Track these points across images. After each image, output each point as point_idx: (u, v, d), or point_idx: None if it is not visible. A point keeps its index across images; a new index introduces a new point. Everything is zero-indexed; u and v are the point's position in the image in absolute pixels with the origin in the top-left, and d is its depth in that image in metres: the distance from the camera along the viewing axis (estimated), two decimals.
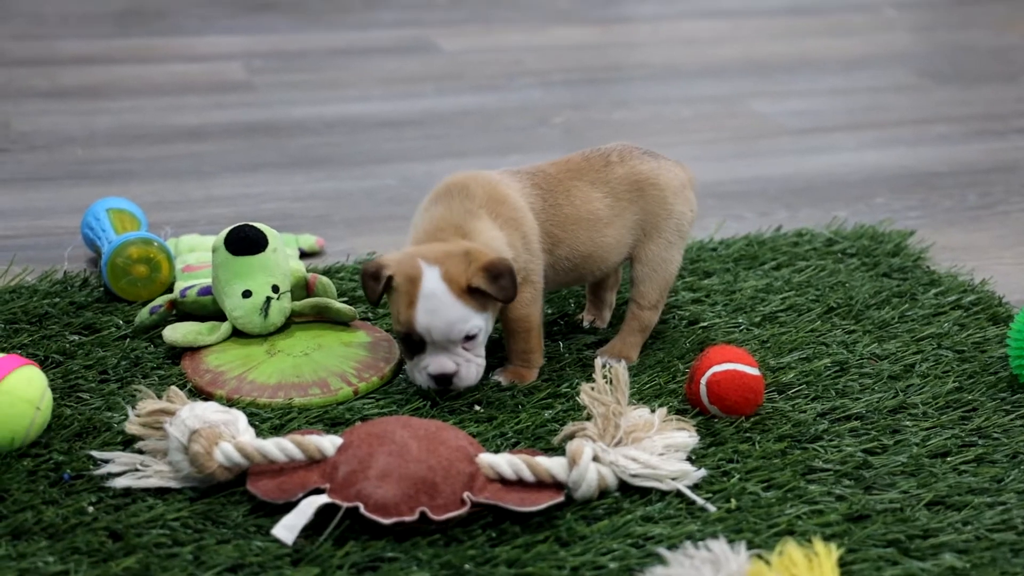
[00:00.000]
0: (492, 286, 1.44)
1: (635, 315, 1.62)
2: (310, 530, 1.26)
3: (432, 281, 1.44)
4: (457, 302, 1.45)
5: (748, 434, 1.45)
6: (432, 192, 1.56)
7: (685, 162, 2.38)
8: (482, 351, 1.50)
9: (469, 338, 1.47)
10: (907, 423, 1.49)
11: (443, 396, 1.50)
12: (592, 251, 1.59)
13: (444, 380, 1.48)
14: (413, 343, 1.48)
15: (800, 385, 1.56)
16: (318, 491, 1.28)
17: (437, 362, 1.47)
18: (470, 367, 1.49)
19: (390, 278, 1.46)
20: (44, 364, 1.55)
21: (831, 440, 1.45)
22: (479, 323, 1.47)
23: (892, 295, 1.80)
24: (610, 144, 1.64)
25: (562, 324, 1.72)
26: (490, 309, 1.49)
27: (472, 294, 1.45)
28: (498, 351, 1.58)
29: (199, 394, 1.51)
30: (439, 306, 1.44)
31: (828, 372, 1.59)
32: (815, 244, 1.97)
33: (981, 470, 1.40)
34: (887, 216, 2.13)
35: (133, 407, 1.39)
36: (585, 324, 1.71)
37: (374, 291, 1.48)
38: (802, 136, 2.55)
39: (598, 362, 1.42)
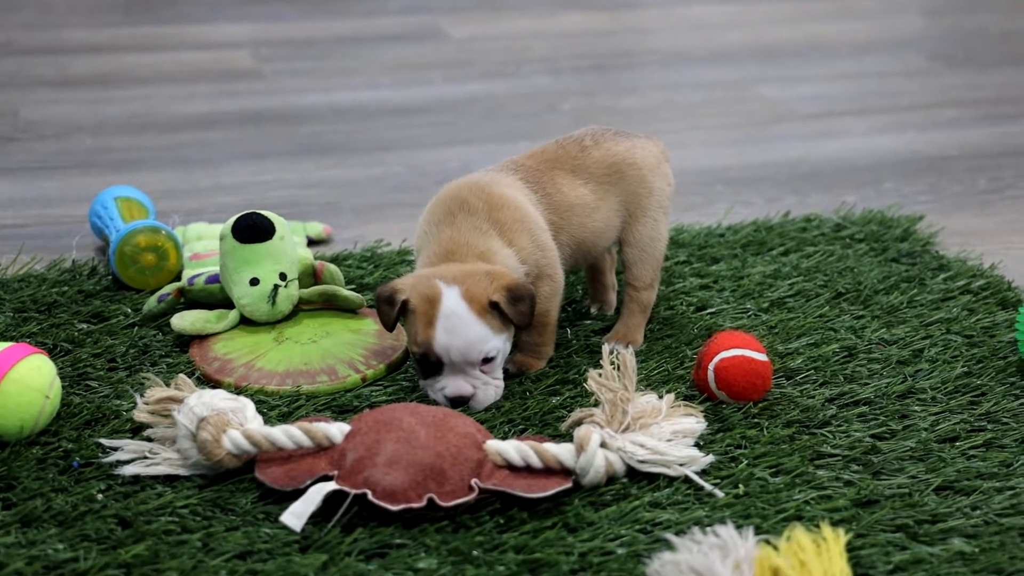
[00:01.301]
0: (511, 308, 1.43)
1: (633, 297, 1.62)
2: (318, 517, 1.26)
3: (452, 301, 1.42)
4: (478, 322, 1.42)
5: (756, 420, 1.45)
6: (429, 212, 1.54)
7: (693, 148, 2.36)
8: (499, 373, 1.48)
9: (487, 360, 1.45)
10: (916, 408, 1.48)
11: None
12: (584, 236, 1.59)
13: (460, 403, 1.46)
14: (430, 365, 1.44)
15: (808, 371, 1.55)
16: (326, 478, 1.28)
17: (455, 384, 1.45)
18: (487, 390, 1.46)
19: (405, 302, 1.44)
20: (53, 352, 1.55)
21: (839, 425, 1.44)
22: (497, 344, 1.45)
23: (901, 280, 1.80)
24: (580, 129, 1.65)
25: (569, 311, 1.72)
26: (507, 331, 1.47)
27: (492, 314, 1.43)
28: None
29: (207, 382, 1.52)
30: (459, 325, 1.42)
31: (836, 357, 1.59)
32: (823, 229, 1.97)
33: (990, 455, 1.40)
34: (896, 201, 2.12)
35: (142, 395, 1.40)
36: (593, 311, 1.71)
37: (389, 316, 1.45)
38: (811, 121, 2.54)
39: (605, 348, 1.42)
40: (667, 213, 1.64)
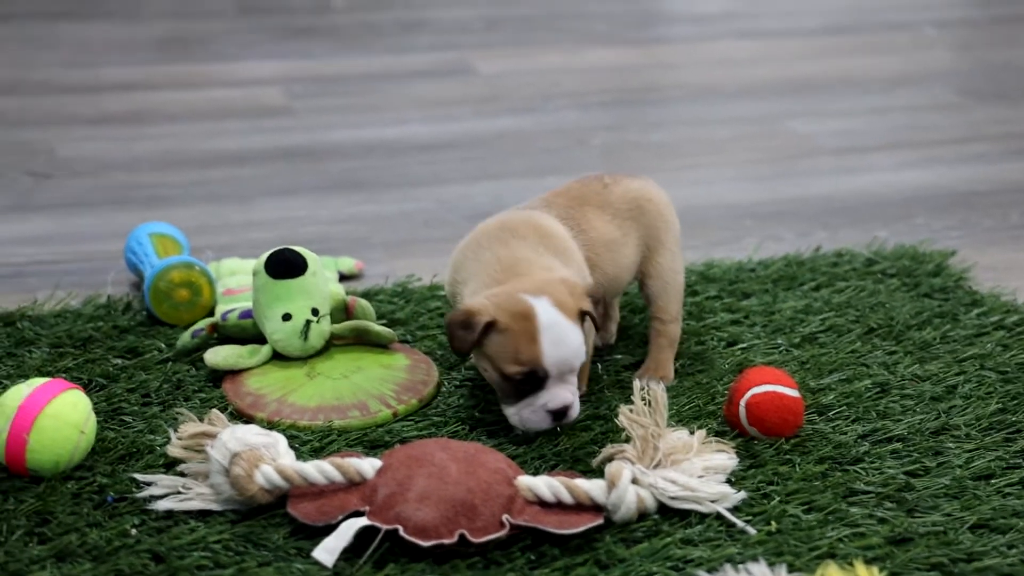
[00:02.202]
0: (594, 311, 1.45)
1: (660, 331, 1.63)
2: (350, 552, 1.26)
3: (548, 312, 1.41)
4: (575, 328, 1.43)
5: (788, 456, 1.44)
6: (472, 242, 1.54)
7: (722, 183, 2.37)
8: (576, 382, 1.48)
9: (579, 368, 1.46)
10: (950, 445, 1.47)
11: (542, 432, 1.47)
12: (615, 273, 1.59)
13: (562, 414, 1.44)
14: (535, 381, 1.42)
15: (841, 406, 1.55)
16: (358, 513, 1.29)
17: (559, 396, 1.43)
18: (577, 398, 1.46)
19: (490, 324, 1.42)
20: (88, 388, 1.57)
21: (872, 462, 1.44)
22: (584, 349, 1.45)
23: (933, 315, 1.79)
24: (588, 174, 1.67)
25: (599, 345, 1.72)
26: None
27: (579, 320, 1.44)
28: None
29: (240, 417, 1.52)
30: (563, 334, 1.42)
31: (869, 393, 1.58)
32: (855, 264, 1.96)
33: None
34: (927, 236, 2.11)
35: (175, 430, 1.41)
36: (597, 343, 1.70)
37: (466, 341, 1.42)
38: (841, 156, 2.54)
39: (636, 384, 1.42)
40: (681, 249, 1.66)
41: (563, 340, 1.41)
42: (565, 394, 1.44)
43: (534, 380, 1.43)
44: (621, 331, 1.74)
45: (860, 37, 3.45)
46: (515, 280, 1.45)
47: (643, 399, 1.40)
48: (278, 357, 1.64)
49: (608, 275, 1.59)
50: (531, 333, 1.41)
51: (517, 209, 1.60)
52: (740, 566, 1.23)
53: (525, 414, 1.44)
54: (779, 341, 1.72)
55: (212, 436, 1.37)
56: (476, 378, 1.62)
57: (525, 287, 1.43)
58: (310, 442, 1.46)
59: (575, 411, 1.46)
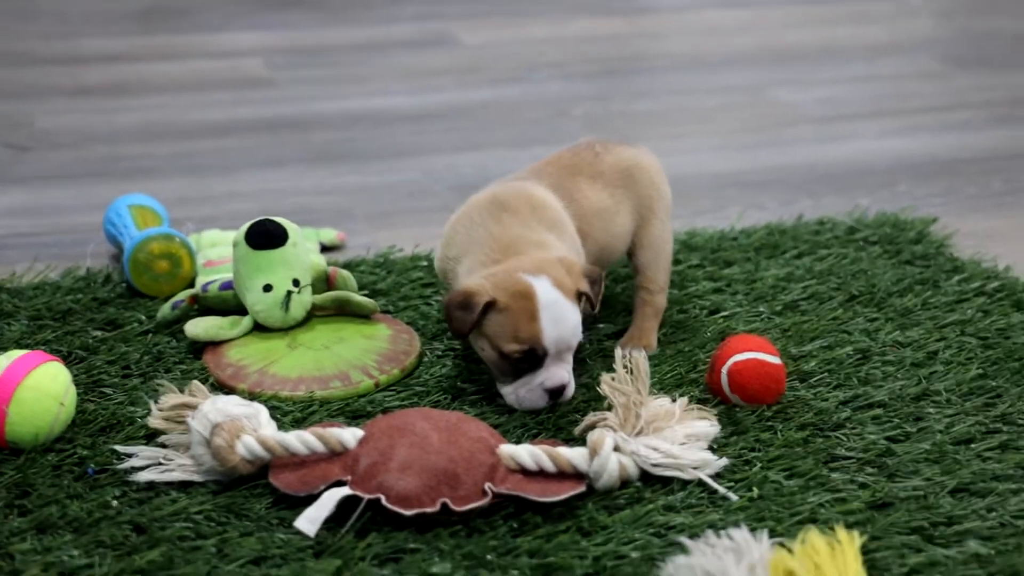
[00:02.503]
0: (592, 291, 1.45)
1: (646, 300, 1.62)
2: (332, 522, 1.26)
3: (548, 291, 1.41)
4: (574, 307, 1.43)
5: (770, 423, 1.44)
6: (464, 216, 1.53)
7: (706, 152, 2.37)
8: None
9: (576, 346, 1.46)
10: (930, 410, 1.48)
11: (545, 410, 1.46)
12: (607, 241, 1.59)
13: (559, 392, 1.45)
14: (534, 359, 1.42)
15: (822, 373, 1.55)
16: (340, 483, 1.29)
17: (556, 375, 1.43)
18: (572, 377, 1.46)
19: (489, 303, 1.42)
20: (68, 360, 1.56)
21: (853, 428, 1.44)
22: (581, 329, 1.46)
23: (915, 282, 1.79)
24: (582, 139, 1.66)
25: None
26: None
27: (576, 300, 1.44)
28: None
29: (221, 388, 1.52)
30: (563, 313, 1.42)
31: (850, 360, 1.58)
32: (837, 232, 1.96)
33: (1005, 457, 1.39)
34: (910, 204, 2.12)
35: (156, 401, 1.40)
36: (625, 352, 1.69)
37: (466, 321, 1.41)
38: (825, 124, 2.53)
39: (618, 352, 1.42)
40: (671, 217, 1.66)
41: (562, 318, 1.42)
42: (562, 373, 1.44)
43: (532, 358, 1.43)
44: (604, 300, 1.74)
45: (844, 6, 3.44)
46: (513, 259, 1.45)
47: (625, 367, 1.40)
48: (259, 328, 1.64)
49: (600, 244, 1.58)
50: (531, 312, 1.41)
51: (508, 180, 1.59)
52: (722, 532, 1.23)
53: (522, 392, 1.45)
54: (761, 309, 1.72)
55: (193, 407, 1.36)
56: (458, 348, 1.62)
57: (524, 266, 1.43)
58: (292, 413, 1.46)
59: (571, 390, 1.46)
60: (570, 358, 1.46)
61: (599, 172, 1.60)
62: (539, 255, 1.45)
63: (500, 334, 1.43)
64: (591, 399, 1.48)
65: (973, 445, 1.41)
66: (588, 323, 1.68)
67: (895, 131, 2.49)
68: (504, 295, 1.41)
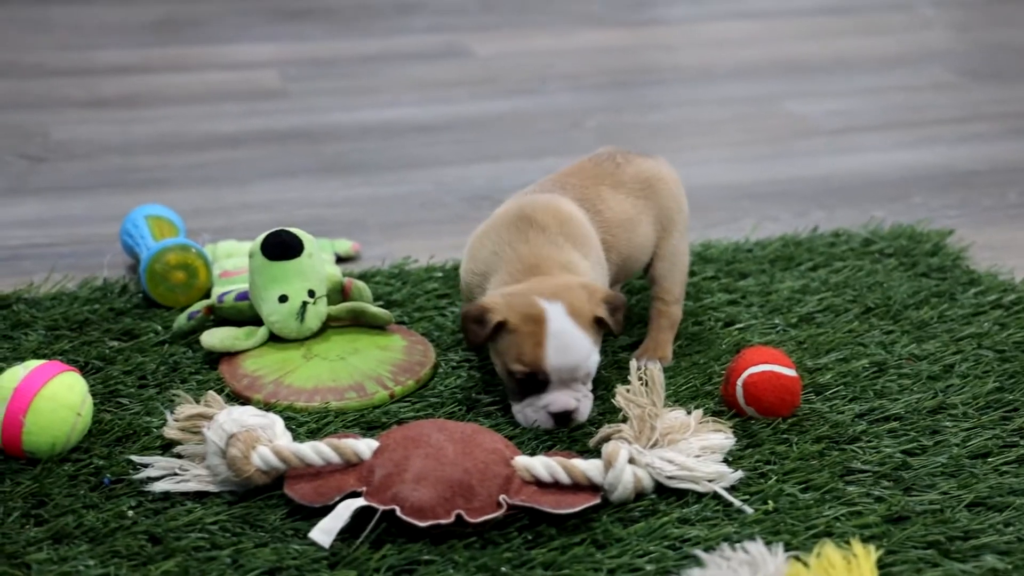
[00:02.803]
0: (612, 319, 1.44)
1: (662, 312, 1.62)
2: (347, 533, 1.26)
3: (559, 319, 1.41)
4: (585, 337, 1.42)
5: (785, 435, 1.44)
6: (491, 231, 1.52)
7: (718, 164, 2.37)
8: (590, 385, 1.47)
9: (587, 374, 1.45)
10: (947, 424, 1.47)
11: (558, 430, 1.45)
12: (631, 252, 1.59)
13: (565, 418, 1.44)
14: (535, 383, 1.42)
15: (838, 386, 1.55)
16: (355, 494, 1.29)
17: (560, 400, 1.42)
18: (586, 402, 1.45)
19: (501, 323, 1.42)
20: (84, 370, 1.56)
21: (869, 441, 1.44)
22: (597, 358, 1.44)
23: (931, 295, 1.79)
24: (601, 148, 1.65)
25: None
26: (599, 343, 1.46)
27: (593, 328, 1.43)
28: None
29: (236, 399, 1.52)
30: (569, 343, 1.41)
31: (866, 373, 1.58)
32: (852, 244, 1.96)
33: (1023, 471, 1.38)
34: (925, 216, 2.11)
35: (172, 412, 1.41)
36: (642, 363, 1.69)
37: (478, 335, 1.42)
38: (838, 136, 2.53)
39: (633, 364, 1.42)
40: (688, 230, 1.66)
41: (569, 348, 1.41)
42: (567, 399, 1.43)
43: (535, 382, 1.43)
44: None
45: (856, 17, 3.44)
46: (536, 280, 1.45)
47: (640, 379, 1.40)
48: (274, 339, 1.64)
49: (623, 255, 1.58)
50: (537, 337, 1.41)
51: (532, 190, 1.59)
52: (737, 545, 1.23)
53: (528, 412, 1.45)
54: (776, 321, 1.72)
55: (209, 418, 1.37)
56: (472, 360, 1.62)
57: (542, 290, 1.43)
58: (307, 423, 1.46)
59: (581, 415, 1.45)
60: (580, 386, 1.45)
61: (621, 182, 1.60)
62: (562, 278, 1.45)
63: (508, 353, 1.43)
64: (606, 411, 1.48)
65: (990, 459, 1.41)
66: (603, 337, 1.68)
67: (909, 143, 2.49)
68: (516, 317, 1.42)
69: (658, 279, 1.63)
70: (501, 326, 1.42)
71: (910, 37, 3.26)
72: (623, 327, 1.46)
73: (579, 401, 1.44)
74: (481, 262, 1.52)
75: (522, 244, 1.49)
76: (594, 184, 1.59)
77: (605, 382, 1.55)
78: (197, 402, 1.41)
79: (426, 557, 1.24)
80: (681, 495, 1.33)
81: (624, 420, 1.39)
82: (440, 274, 1.84)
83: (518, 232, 1.50)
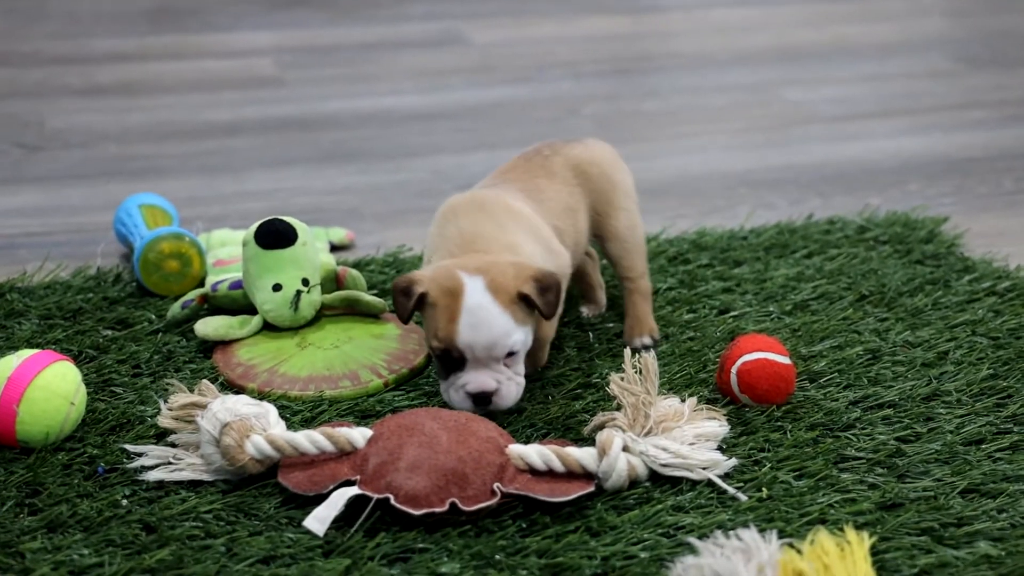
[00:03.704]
0: (540, 298, 1.40)
1: (631, 289, 1.63)
2: (341, 521, 1.26)
3: (476, 293, 1.38)
4: (503, 314, 1.38)
5: (779, 423, 1.44)
6: (438, 218, 1.51)
7: (716, 151, 2.36)
8: (522, 368, 1.43)
9: (511, 354, 1.40)
10: (941, 411, 1.47)
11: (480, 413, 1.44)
12: (577, 238, 1.59)
13: (483, 399, 1.40)
14: (451, 360, 1.39)
15: (832, 373, 1.55)
16: (349, 483, 1.29)
17: (477, 380, 1.39)
18: (511, 385, 1.41)
19: (423, 295, 1.40)
20: (78, 359, 1.57)
21: (863, 428, 1.44)
22: (521, 337, 1.40)
23: (925, 282, 1.79)
24: (530, 147, 1.66)
25: (590, 315, 1.71)
26: (530, 323, 1.43)
27: (518, 305, 1.39)
28: None
29: (231, 387, 1.52)
30: (484, 319, 1.37)
31: (860, 360, 1.58)
32: (847, 232, 1.96)
33: (1016, 457, 1.38)
34: (921, 203, 2.11)
35: (165, 401, 1.41)
36: (586, 313, 1.69)
37: (405, 308, 1.41)
38: (835, 123, 2.53)
39: (627, 352, 1.42)
40: (636, 203, 1.65)
41: (483, 324, 1.37)
42: (485, 380, 1.39)
43: (451, 359, 1.40)
44: (611, 301, 1.74)
45: (855, 4, 3.43)
46: (467, 256, 1.43)
47: (634, 367, 1.40)
48: (269, 328, 1.64)
49: (572, 240, 1.58)
50: (452, 312, 1.38)
51: (481, 189, 1.58)
52: (731, 532, 1.23)
53: (451, 393, 1.42)
54: (771, 308, 1.72)
55: (202, 407, 1.37)
56: None
57: (466, 264, 1.40)
58: (301, 412, 1.46)
59: (503, 399, 1.40)
60: (502, 366, 1.40)
61: (553, 172, 1.60)
62: (491, 257, 1.42)
63: (428, 328, 1.42)
64: (600, 399, 1.48)
65: (984, 446, 1.41)
66: (595, 323, 1.68)
67: (906, 130, 2.48)
68: (436, 289, 1.39)
69: (617, 260, 1.63)
70: (423, 299, 1.40)
71: (908, 24, 3.25)
72: (555, 308, 1.41)
73: (500, 383, 1.40)
74: (430, 246, 1.51)
75: (466, 222, 1.47)
76: (531, 178, 1.58)
77: (598, 370, 1.55)
78: (191, 391, 1.41)
79: (420, 545, 1.24)
80: (675, 483, 1.33)
81: (618, 408, 1.39)
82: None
83: (465, 214, 1.49)
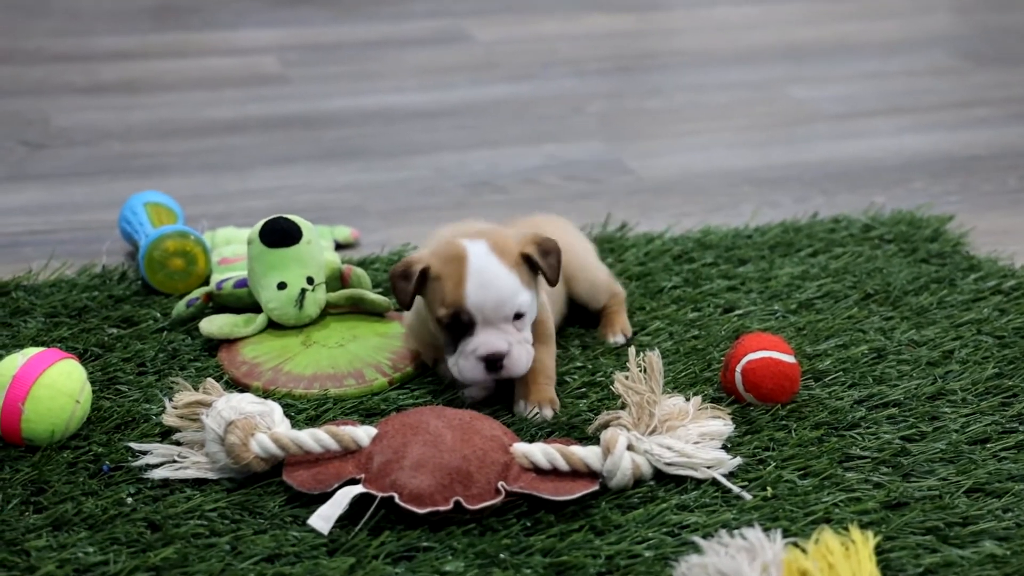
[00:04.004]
0: (543, 260, 1.42)
1: (606, 306, 1.65)
2: (345, 520, 1.26)
3: (480, 255, 1.39)
4: (509, 273, 1.39)
5: (784, 422, 1.44)
6: (432, 240, 1.54)
7: (720, 149, 2.36)
8: (529, 335, 1.43)
9: (519, 316, 1.40)
10: (946, 410, 1.47)
11: (489, 387, 1.46)
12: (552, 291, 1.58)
13: (495, 363, 1.39)
14: (460, 326, 1.39)
15: (837, 372, 1.55)
16: (353, 481, 1.29)
17: (488, 342, 1.38)
18: (521, 349, 1.40)
19: (424, 271, 1.42)
20: (83, 357, 1.57)
21: (868, 427, 1.44)
22: (527, 299, 1.41)
23: (930, 281, 1.78)
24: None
25: (619, 343, 1.71)
26: (535, 288, 1.44)
27: (522, 267, 1.41)
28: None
29: (235, 386, 1.52)
30: (492, 278, 1.38)
31: (865, 359, 1.58)
32: (852, 230, 1.96)
33: (1022, 457, 1.38)
34: (926, 201, 2.11)
35: (170, 399, 1.41)
36: (611, 341, 1.64)
37: (406, 291, 1.42)
38: (839, 121, 2.52)
39: (632, 351, 1.42)
40: (590, 252, 1.68)
41: (491, 283, 1.38)
42: (497, 341, 1.38)
43: (460, 324, 1.39)
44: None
45: (858, 2, 3.42)
46: (464, 228, 1.46)
47: (639, 367, 1.40)
48: (273, 326, 1.64)
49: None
50: (459, 275, 1.39)
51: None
52: (735, 531, 1.23)
53: (461, 363, 1.41)
54: (775, 307, 1.71)
55: (207, 405, 1.37)
56: None
57: (467, 232, 1.43)
58: (306, 411, 1.46)
59: (515, 364, 1.40)
60: (510, 327, 1.40)
61: (516, 227, 1.60)
62: (488, 225, 1.44)
63: (433, 301, 1.41)
64: (604, 397, 1.48)
65: (989, 445, 1.40)
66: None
67: (910, 128, 2.48)
68: (438, 261, 1.41)
69: (587, 298, 1.64)
70: (425, 275, 1.41)
71: (913, 21, 3.25)
72: (557, 273, 1.43)
73: (511, 344, 1.39)
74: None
75: (465, 228, 1.50)
76: (498, 231, 1.56)
77: (603, 369, 1.55)
78: (196, 389, 1.41)
79: (425, 544, 1.24)
80: (680, 481, 1.33)
81: (623, 407, 1.39)
82: None
83: (461, 227, 1.53)
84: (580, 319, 1.68)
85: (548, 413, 1.44)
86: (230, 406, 1.34)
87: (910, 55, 2.96)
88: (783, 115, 2.56)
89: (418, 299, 1.46)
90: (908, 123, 2.51)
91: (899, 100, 2.65)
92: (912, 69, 2.86)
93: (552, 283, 1.44)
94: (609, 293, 1.66)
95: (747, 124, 2.51)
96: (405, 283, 1.42)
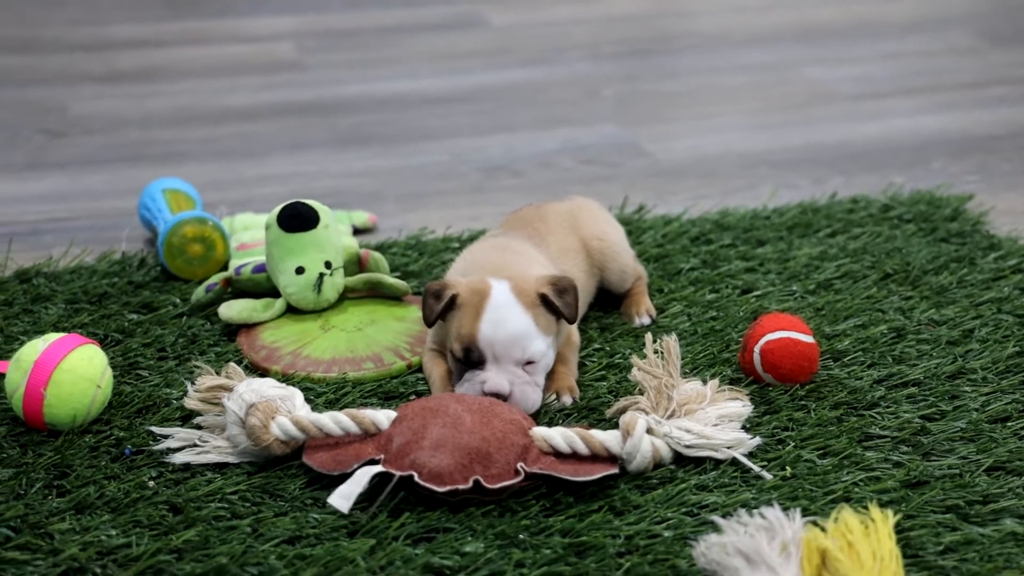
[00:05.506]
0: (559, 299, 1.43)
1: (630, 290, 1.66)
2: (365, 502, 1.27)
3: (501, 294, 1.42)
4: (524, 315, 1.41)
5: (803, 402, 1.44)
6: (468, 253, 1.57)
7: (737, 131, 2.35)
8: (541, 379, 1.44)
9: (530, 363, 1.42)
10: (966, 388, 1.47)
11: None
12: (577, 275, 1.59)
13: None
14: (472, 361, 1.42)
15: (856, 352, 1.54)
16: (373, 462, 1.29)
17: (493, 380, 1.40)
18: (526, 389, 1.41)
19: (454, 297, 1.43)
20: (104, 343, 1.57)
21: (888, 407, 1.43)
22: (541, 347, 1.42)
23: (950, 260, 1.78)
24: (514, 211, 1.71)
25: (616, 296, 1.71)
26: (553, 334, 1.45)
27: (540, 309, 1.43)
28: None
29: (255, 370, 1.53)
30: (506, 317, 1.41)
31: (885, 339, 1.57)
32: (871, 210, 1.95)
33: None
34: (945, 181, 2.10)
35: (192, 383, 1.41)
36: (637, 323, 1.65)
37: (432, 310, 1.44)
38: (857, 102, 2.51)
39: (648, 336, 1.42)
40: (625, 238, 1.69)
41: (503, 322, 1.40)
42: (501, 381, 1.40)
43: (470, 361, 1.41)
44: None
45: None
46: (496, 271, 1.48)
47: (656, 351, 1.40)
48: (292, 310, 1.65)
49: (579, 280, 1.58)
50: (478, 309, 1.41)
51: (494, 245, 1.59)
52: (755, 511, 1.23)
53: (467, 387, 1.42)
54: (794, 288, 1.71)
55: (229, 389, 1.37)
56: None
57: (496, 273, 1.46)
58: (325, 394, 1.47)
59: (515, 403, 1.39)
60: (520, 372, 1.41)
61: (547, 218, 1.64)
62: (518, 270, 1.47)
63: (452, 331, 1.43)
64: (623, 380, 1.48)
65: (1009, 423, 1.40)
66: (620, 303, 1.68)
67: (928, 108, 2.47)
68: (466, 291, 1.43)
69: (616, 284, 1.65)
70: (454, 300, 1.43)
71: (929, 1, 3.23)
72: (574, 311, 1.45)
73: (514, 386, 1.40)
74: (457, 274, 1.54)
75: (497, 258, 1.52)
76: (532, 226, 1.62)
77: (621, 351, 1.55)
78: (217, 374, 1.41)
79: (445, 525, 1.25)
80: (699, 462, 1.33)
81: (641, 392, 1.39)
82: (457, 245, 1.84)
83: (495, 251, 1.54)
84: (597, 301, 1.68)
85: (567, 400, 1.44)
86: (252, 389, 1.35)
87: (927, 34, 2.94)
88: (800, 96, 2.55)
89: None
90: (926, 103, 2.50)
91: (917, 80, 2.64)
92: (930, 49, 2.84)
93: (571, 322, 1.47)
94: (635, 276, 1.67)
95: (764, 106, 2.50)
96: (435, 302, 1.44)
